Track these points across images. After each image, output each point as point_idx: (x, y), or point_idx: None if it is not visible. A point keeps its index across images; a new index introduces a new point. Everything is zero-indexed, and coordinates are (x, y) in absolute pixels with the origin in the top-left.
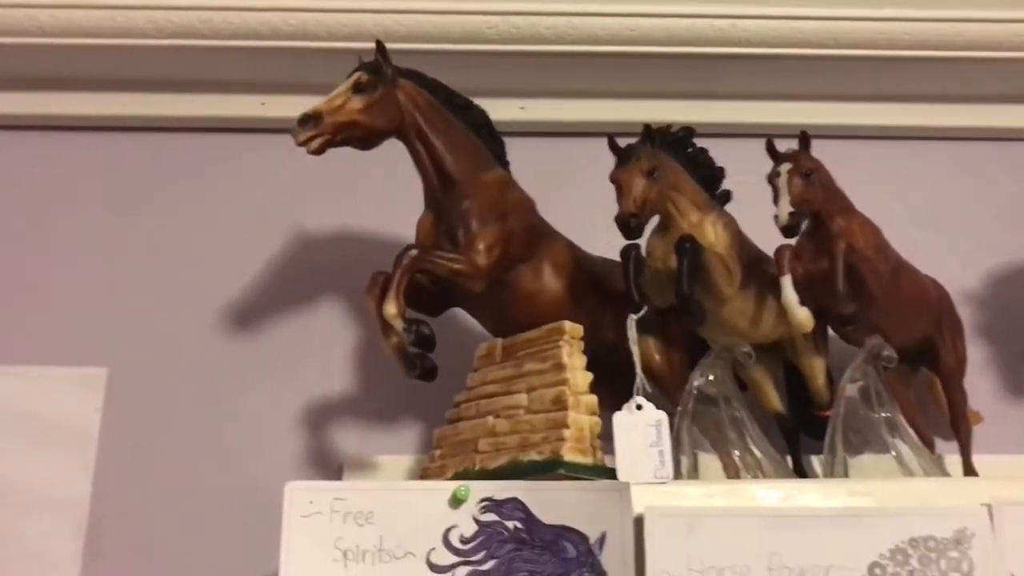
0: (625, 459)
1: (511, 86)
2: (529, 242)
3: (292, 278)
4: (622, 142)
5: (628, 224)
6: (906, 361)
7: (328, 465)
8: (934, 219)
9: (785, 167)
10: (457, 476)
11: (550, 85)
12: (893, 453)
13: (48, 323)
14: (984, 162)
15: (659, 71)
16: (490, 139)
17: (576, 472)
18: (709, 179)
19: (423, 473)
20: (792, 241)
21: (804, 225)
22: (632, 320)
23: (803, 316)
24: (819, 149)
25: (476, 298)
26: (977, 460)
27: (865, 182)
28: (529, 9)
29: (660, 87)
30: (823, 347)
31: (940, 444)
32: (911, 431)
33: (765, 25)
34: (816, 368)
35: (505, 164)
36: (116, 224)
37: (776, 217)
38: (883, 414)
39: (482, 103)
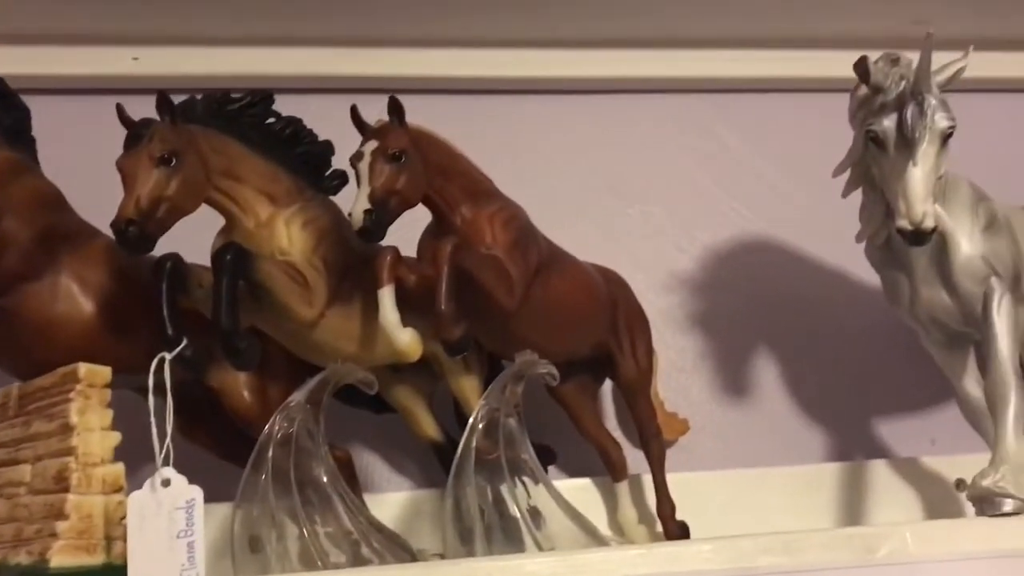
0: (139, 556)
1: (117, 31)
2: (41, 251)
3: None
4: None
5: (125, 234)
6: (584, 371)
7: None
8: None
9: (370, 146)
10: None
11: (167, 30)
12: (519, 516)
13: None
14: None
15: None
16: None
17: None
18: (307, 158)
19: None
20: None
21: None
22: (165, 361)
23: (406, 341)
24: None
25: None
26: (682, 479)
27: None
28: None
29: (332, 30)
30: (476, 363)
31: None
32: (542, 475)
33: None
34: (467, 389)
35: (27, 142)
36: None
37: (350, 215)
38: (513, 456)
39: (83, 53)
